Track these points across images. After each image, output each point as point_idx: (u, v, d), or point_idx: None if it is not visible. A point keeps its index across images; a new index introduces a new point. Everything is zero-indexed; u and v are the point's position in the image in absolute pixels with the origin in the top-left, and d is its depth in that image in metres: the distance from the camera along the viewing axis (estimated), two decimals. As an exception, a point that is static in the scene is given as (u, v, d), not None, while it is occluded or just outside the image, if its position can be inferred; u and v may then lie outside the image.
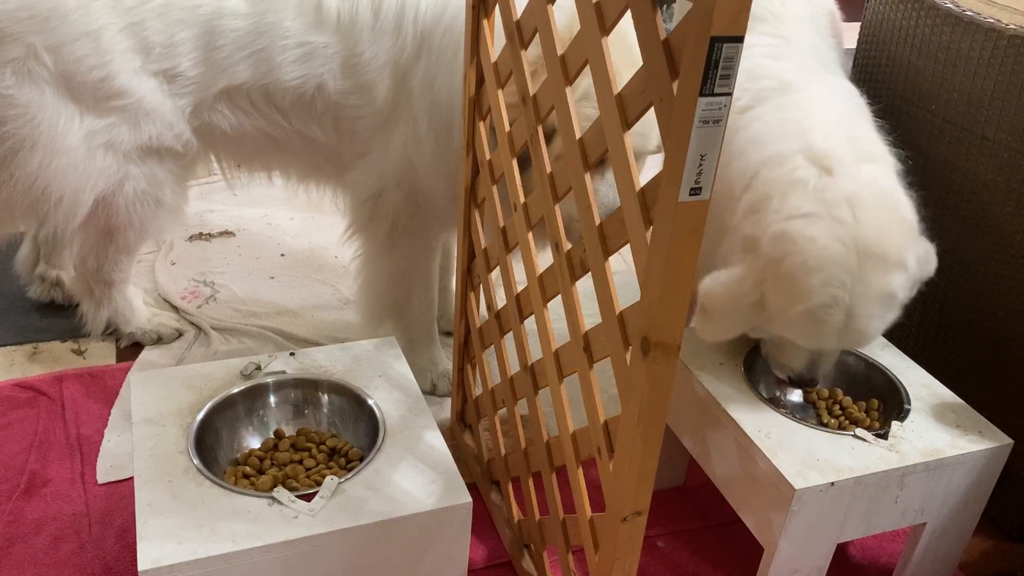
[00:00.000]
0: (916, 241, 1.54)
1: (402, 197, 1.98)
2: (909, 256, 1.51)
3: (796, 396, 1.77)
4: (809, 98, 1.68)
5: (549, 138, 1.44)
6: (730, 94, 0.91)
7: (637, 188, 1.06)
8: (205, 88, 1.92)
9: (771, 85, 1.73)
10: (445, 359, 2.25)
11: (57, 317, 2.41)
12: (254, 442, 1.63)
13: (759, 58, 1.82)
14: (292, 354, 1.74)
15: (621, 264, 2.67)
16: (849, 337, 1.53)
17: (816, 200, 1.49)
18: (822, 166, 1.52)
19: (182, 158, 2.02)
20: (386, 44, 1.87)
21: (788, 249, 1.47)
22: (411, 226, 2.02)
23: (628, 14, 1.05)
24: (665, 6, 3.32)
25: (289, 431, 1.65)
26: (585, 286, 1.30)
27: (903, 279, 1.51)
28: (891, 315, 1.53)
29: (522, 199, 1.50)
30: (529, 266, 1.49)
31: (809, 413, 1.72)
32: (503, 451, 1.79)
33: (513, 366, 1.67)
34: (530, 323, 1.54)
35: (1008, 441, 1.58)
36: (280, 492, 1.40)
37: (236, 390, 1.63)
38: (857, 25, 2.21)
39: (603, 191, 1.65)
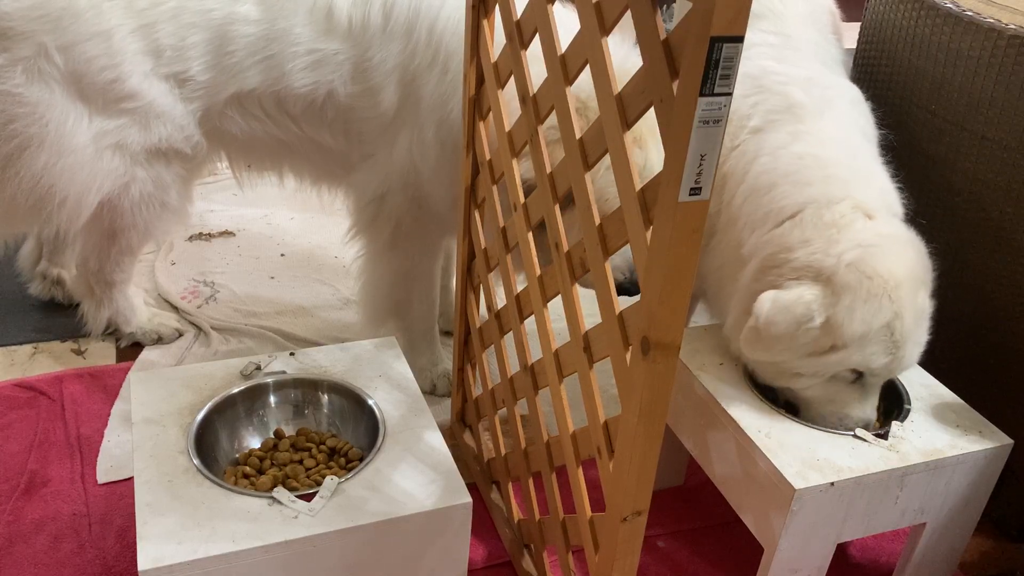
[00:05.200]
0: (931, 273, 1.63)
1: (406, 200, 1.98)
2: (930, 282, 1.62)
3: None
4: (827, 131, 1.70)
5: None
6: (730, 94, 0.90)
7: (637, 188, 1.06)
8: (216, 93, 1.92)
9: (781, 104, 1.73)
10: (445, 359, 2.25)
11: (57, 317, 2.41)
12: (254, 442, 1.63)
13: (762, 60, 1.82)
14: (292, 354, 1.74)
15: (621, 264, 2.66)
16: (912, 350, 1.59)
17: (873, 235, 1.57)
18: (865, 213, 1.60)
19: (190, 161, 2.02)
20: (395, 48, 1.86)
21: (869, 274, 1.52)
22: (414, 229, 2.02)
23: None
24: (665, 6, 3.32)
25: (289, 431, 1.65)
26: (585, 286, 1.30)
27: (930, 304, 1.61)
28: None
29: (522, 199, 1.50)
30: (529, 266, 1.49)
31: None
32: (503, 451, 1.79)
33: (513, 366, 1.67)
34: (530, 323, 1.54)
35: (1008, 441, 1.58)
36: (280, 492, 1.40)
37: (236, 390, 1.63)
38: (857, 25, 2.22)
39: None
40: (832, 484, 1.46)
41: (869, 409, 1.62)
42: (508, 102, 1.56)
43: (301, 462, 1.55)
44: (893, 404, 1.68)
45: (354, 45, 1.87)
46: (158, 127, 1.91)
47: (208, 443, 1.55)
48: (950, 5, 1.84)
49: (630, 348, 1.12)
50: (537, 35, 1.36)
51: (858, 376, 1.58)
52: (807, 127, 1.70)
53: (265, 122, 1.97)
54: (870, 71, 2.12)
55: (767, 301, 1.54)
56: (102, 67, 1.83)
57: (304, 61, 1.87)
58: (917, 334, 1.58)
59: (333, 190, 2.22)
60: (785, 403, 1.71)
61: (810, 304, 1.53)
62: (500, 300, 1.70)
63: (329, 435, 1.64)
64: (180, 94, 1.90)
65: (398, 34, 1.85)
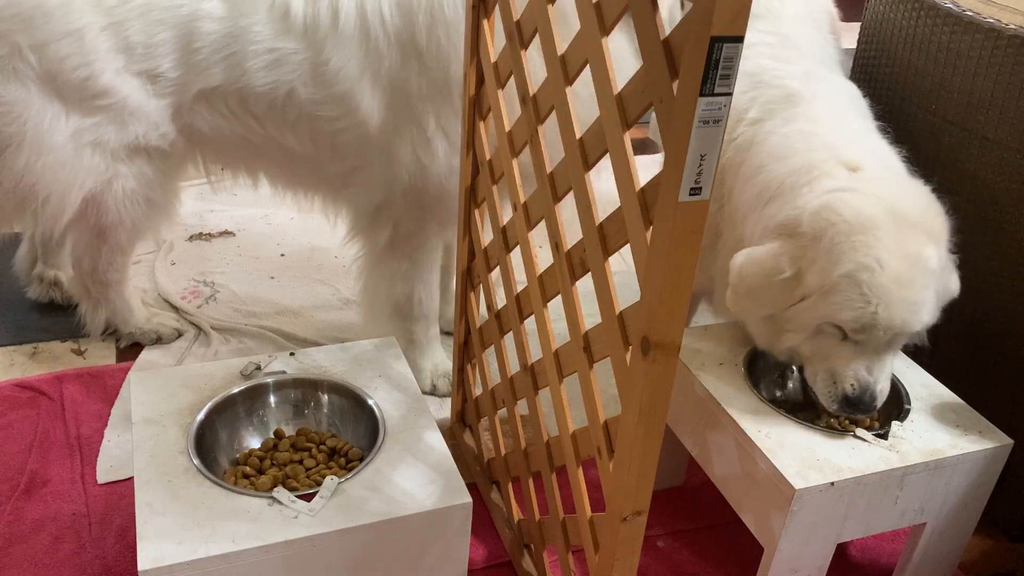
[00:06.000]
0: (944, 225, 1.54)
1: (406, 203, 1.97)
2: (941, 234, 1.53)
3: (796, 396, 1.77)
4: (820, 111, 1.69)
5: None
6: (730, 94, 0.90)
7: (637, 188, 1.06)
8: (184, 89, 1.92)
9: (778, 95, 1.73)
10: (446, 359, 2.25)
11: (57, 317, 2.41)
12: (254, 442, 1.63)
13: (760, 59, 1.82)
14: (292, 354, 1.74)
15: (621, 264, 2.67)
16: (898, 308, 1.47)
17: (852, 180, 1.51)
18: (849, 166, 1.55)
19: (170, 157, 2.02)
20: (355, 53, 1.84)
21: (832, 219, 1.47)
22: (413, 230, 2.02)
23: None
24: (665, 6, 3.30)
25: (289, 431, 1.65)
26: (585, 286, 1.30)
27: (938, 255, 1.51)
28: (933, 296, 1.51)
29: (522, 199, 1.50)
30: (529, 266, 1.49)
31: (809, 413, 1.72)
32: (503, 451, 1.79)
33: (513, 366, 1.67)
34: (530, 323, 1.54)
35: (1008, 441, 1.58)
36: (280, 492, 1.40)
37: (236, 390, 1.63)
38: (857, 25, 2.22)
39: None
40: (832, 484, 1.46)
41: (863, 370, 1.54)
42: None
43: (301, 462, 1.55)
44: (893, 404, 1.68)
45: (309, 45, 1.86)
46: (133, 124, 1.92)
47: (208, 443, 1.55)
48: (950, 5, 1.84)
49: (630, 348, 1.12)
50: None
51: (843, 332, 1.52)
52: (800, 110, 1.70)
53: (231, 120, 1.97)
54: (870, 71, 2.12)
55: (740, 256, 1.55)
56: (75, 65, 1.83)
57: (264, 60, 1.87)
58: (903, 290, 1.46)
59: (309, 196, 2.20)
60: (784, 403, 1.71)
61: (779, 256, 1.51)
62: (500, 300, 1.70)
63: (329, 435, 1.64)
64: (152, 90, 1.91)
65: (352, 36, 1.84)
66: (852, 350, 1.54)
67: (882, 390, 1.56)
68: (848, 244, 1.46)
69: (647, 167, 3.14)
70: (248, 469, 1.53)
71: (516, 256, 1.59)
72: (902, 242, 1.47)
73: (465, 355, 1.94)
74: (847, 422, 1.66)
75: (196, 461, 1.46)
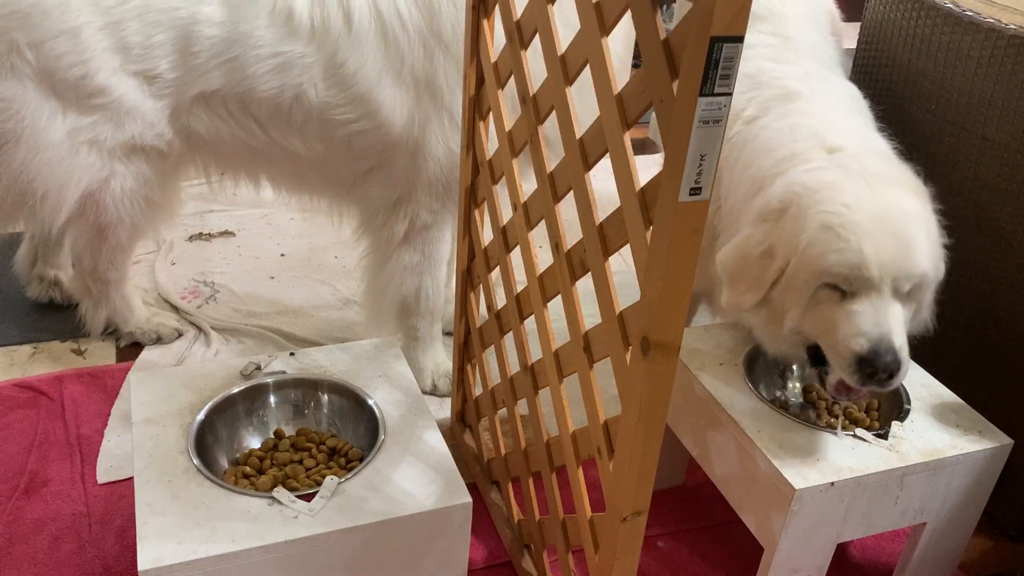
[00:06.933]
0: (923, 186, 1.54)
1: (428, 195, 1.97)
2: (919, 190, 1.52)
3: (796, 396, 1.77)
4: (815, 106, 1.70)
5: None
6: (730, 94, 0.90)
7: (637, 188, 1.06)
8: (182, 91, 1.92)
9: (776, 94, 1.73)
10: (447, 359, 2.25)
11: (57, 317, 2.41)
12: (254, 442, 1.63)
13: (761, 61, 1.83)
14: (292, 354, 1.74)
15: (621, 264, 2.67)
16: (885, 243, 1.41)
17: (828, 159, 1.53)
18: (831, 151, 1.56)
19: (167, 158, 2.02)
20: (372, 54, 1.85)
21: (796, 190, 1.49)
22: (429, 221, 2.02)
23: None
24: (665, 6, 3.32)
25: (289, 431, 1.65)
26: (585, 286, 1.30)
27: (921, 204, 1.49)
28: (924, 238, 1.46)
29: (522, 199, 1.50)
30: (529, 266, 1.49)
31: (809, 413, 1.72)
32: (503, 451, 1.79)
33: (513, 366, 1.67)
34: (530, 323, 1.54)
35: (1008, 441, 1.58)
36: (280, 492, 1.40)
37: (236, 390, 1.63)
38: (857, 25, 2.22)
39: None
40: (832, 484, 1.46)
41: (867, 324, 1.42)
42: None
43: (301, 462, 1.55)
44: (893, 404, 1.68)
45: (319, 48, 1.86)
46: (129, 124, 1.92)
47: (208, 443, 1.55)
48: (950, 5, 1.84)
49: (630, 348, 1.12)
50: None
51: (840, 292, 1.46)
52: (796, 106, 1.70)
53: (231, 124, 1.97)
54: (870, 71, 2.12)
55: (720, 251, 1.59)
56: (71, 64, 1.84)
57: (268, 64, 1.87)
58: (884, 224, 1.43)
59: (315, 199, 2.20)
60: (784, 403, 1.71)
61: (752, 235, 1.55)
62: (500, 300, 1.70)
63: (329, 435, 1.64)
64: (149, 91, 1.91)
65: (368, 38, 1.84)
66: (853, 307, 1.45)
67: (900, 346, 1.42)
68: (812, 201, 1.47)
69: (647, 167, 3.14)
70: (248, 469, 1.53)
71: (516, 256, 1.59)
72: (872, 192, 1.46)
73: (465, 355, 1.94)
74: (847, 422, 1.66)
75: (196, 461, 1.46)
